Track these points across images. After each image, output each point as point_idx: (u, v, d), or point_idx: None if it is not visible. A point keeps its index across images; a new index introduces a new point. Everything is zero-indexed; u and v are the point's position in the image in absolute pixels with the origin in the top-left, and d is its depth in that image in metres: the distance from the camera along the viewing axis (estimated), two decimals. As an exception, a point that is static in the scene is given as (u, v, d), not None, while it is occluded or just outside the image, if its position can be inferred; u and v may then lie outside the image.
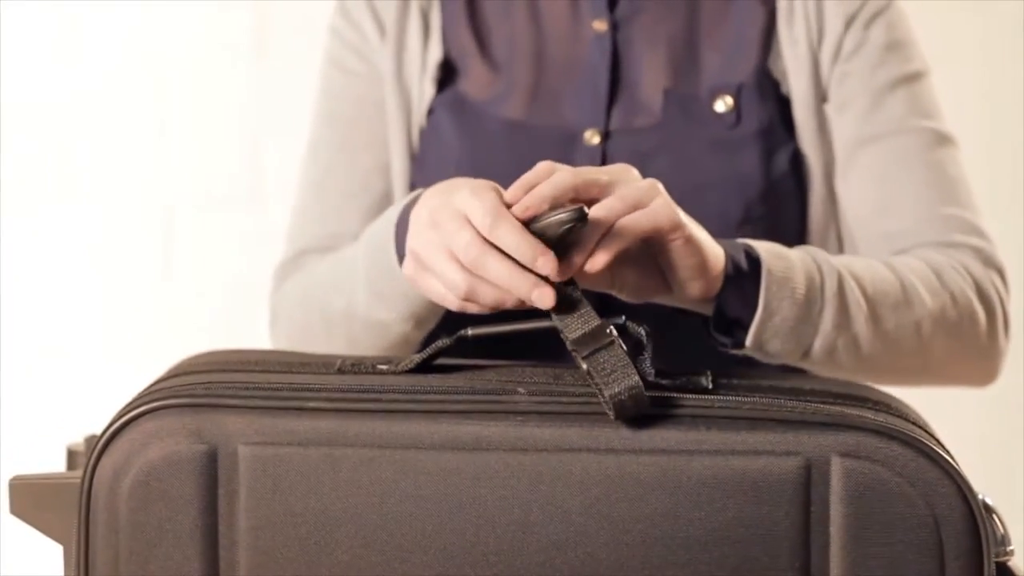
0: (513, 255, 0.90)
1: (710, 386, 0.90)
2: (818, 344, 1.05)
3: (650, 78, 1.23)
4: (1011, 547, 0.88)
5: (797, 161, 1.22)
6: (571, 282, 0.91)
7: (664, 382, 0.90)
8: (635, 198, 0.93)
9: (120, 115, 1.98)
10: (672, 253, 0.96)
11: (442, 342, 0.93)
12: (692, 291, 0.98)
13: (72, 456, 0.97)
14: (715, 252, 0.99)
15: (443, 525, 0.86)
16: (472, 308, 0.94)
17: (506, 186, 0.95)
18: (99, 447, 0.88)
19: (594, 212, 0.91)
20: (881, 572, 0.85)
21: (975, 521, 0.86)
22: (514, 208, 0.91)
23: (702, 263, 0.97)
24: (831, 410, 0.87)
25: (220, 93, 1.99)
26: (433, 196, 0.97)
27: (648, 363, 0.90)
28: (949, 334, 1.13)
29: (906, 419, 0.89)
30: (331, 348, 1.17)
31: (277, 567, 0.87)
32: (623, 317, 0.91)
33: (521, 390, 0.89)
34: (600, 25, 1.25)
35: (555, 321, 0.90)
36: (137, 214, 1.99)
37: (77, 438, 0.98)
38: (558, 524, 0.86)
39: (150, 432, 0.88)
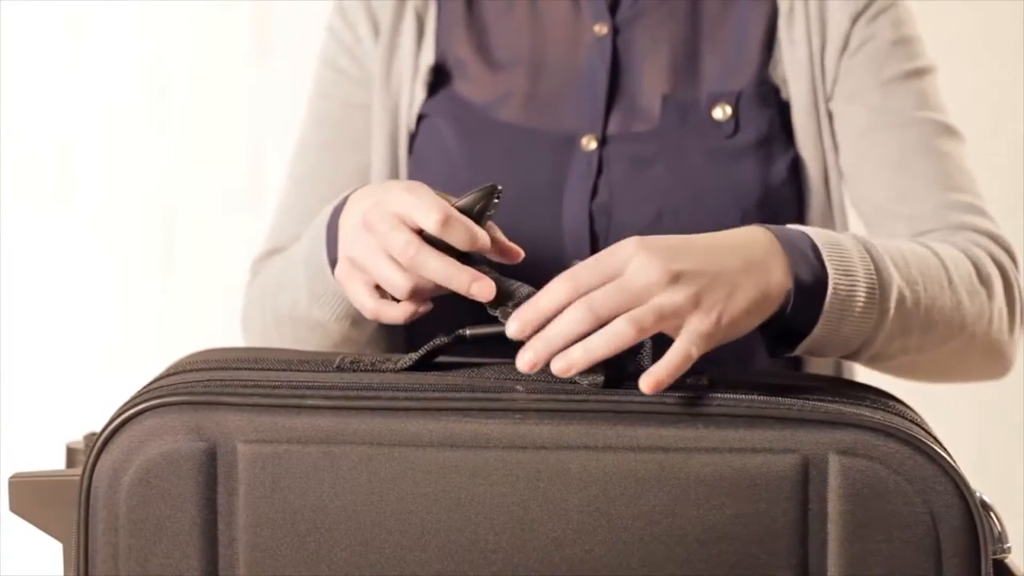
0: (441, 279, 0.93)
1: (708, 384, 0.90)
2: (864, 351, 1.03)
3: (649, 83, 1.23)
4: (1008, 544, 0.88)
5: (796, 167, 1.22)
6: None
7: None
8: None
9: (121, 116, 1.99)
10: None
11: (440, 340, 0.94)
12: (750, 327, 0.95)
13: (72, 454, 0.97)
14: (774, 292, 0.95)
15: (441, 522, 0.86)
16: (387, 320, 0.97)
17: (506, 187, 0.96)
18: (98, 445, 0.88)
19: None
20: (879, 569, 0.85)
21: (972, 519, 0.86)
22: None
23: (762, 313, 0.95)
24: (829, 408, 0.87)
25: (221, 94, 1.99)
26: (363, 198, 0.99)
27: (647, 360, 0.90)
28: (982, 333, 1.11)
29: (904, 417, 0.89)
30: (283, 346, 1.18)
31: (276, 564, 0.87)
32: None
33: (519, 388, 0.89)
34: (601, 29, 1.25)
35: (495, 313, 0.92)
36: (138, 214, 1.99)
37: (77, 436, 0.98)
38: (556, 521, 0.86)
39: (149, 430, 0.88)
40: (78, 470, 0.90)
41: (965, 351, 1.11)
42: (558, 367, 0.88)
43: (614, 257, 0.90)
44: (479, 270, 0.94)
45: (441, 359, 0.95)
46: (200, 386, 0.89)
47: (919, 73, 1.23)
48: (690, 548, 0.86)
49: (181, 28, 1.98)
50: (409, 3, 1.28)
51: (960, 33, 1.96)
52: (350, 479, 0.87)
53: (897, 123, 1.21)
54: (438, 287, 0.96)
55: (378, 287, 0.99)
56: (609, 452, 0.86)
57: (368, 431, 0.87)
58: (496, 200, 0.96)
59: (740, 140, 1.20)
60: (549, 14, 1.26)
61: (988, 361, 1.15)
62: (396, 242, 0.94)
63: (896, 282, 1.02)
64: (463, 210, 0.95)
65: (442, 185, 1.04)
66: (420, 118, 1.26)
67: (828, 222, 1.23)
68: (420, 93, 1.26)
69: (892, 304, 1.01)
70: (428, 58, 1.26)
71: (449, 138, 1.23)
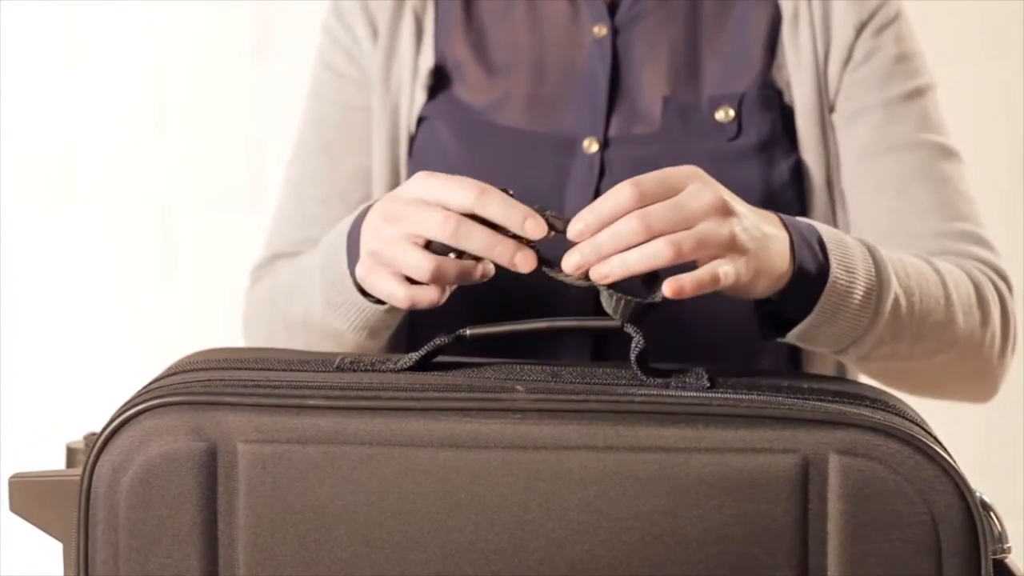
0: (501, 222, 0.93)
1: (708, 384, 0.90)
2: (853, 349, 1.05)
3: (650, 85, 1.22)
4: (1008, 544, 0.88)
5: (798, 171, 1.22)
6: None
7: (662, 380, 0.90)
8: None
9: (121, 116, 1.99)
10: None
11: (440, 340, 0.93)
12: (754, 293, 0.98)
13: (72, 454, 0.97)
14: (784, 269, 0.98)
15: (441, 523, 0.86)
16: (423, 302, 0.97)
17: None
18: (98, 445, 0.88)
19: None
20: (879, 569, 0.85)
21: (972, 519, 0.86)
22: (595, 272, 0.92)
23: (770, 282, 0.97)
24: (829, 408, 0.87)
25: (220, 93, 1.99)
26: (382, 203, 0.99)
27: (646, 363, 0.90)
28: (972, 355, 1.14)
29: (904, 417, 0.89)
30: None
31: (276, 564, 0.87)
32: (620, 320, 0.91)
33: (520, 388, 0.89)
34: (600, 30, 1.24)
35: (552, 273, 0.94)
36: (137, 214, 1.99)
37: (77, 436, 0.98)
38: (556, 522, 0.86)
39: (149, 430, 0.88)
40: (78, 470, 0.90)
41: (954, 368, 1.14)
42: (596, 273, 0.91)
43: (676, 176, 0.94)
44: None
45: (441, 359, 0.95)
46: (200, 386, 0.89)
47: (920, 92, 1.23)
48: (690, 548, 0.86)
49: (181, 28, 1.98)
50: (407, 4, 1.27)
51: (960, 33, 1.96)
52: (350, 479, 0.87)
53: (898, 146, 1.21)
54: (459, 274, 0.95)
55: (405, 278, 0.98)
56: (609, 452, 0.86)
57: (368, 431, 0.87)
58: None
59: (742, 143, 1.20)
60: (547, 16, 1.26)
61: (975, 382, 1.18)
62: (432, 220, 0.94)
63: (894, 288, 1.04)
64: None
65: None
66: (420, 120, 1.25)
67: (829, 224, 1.22)
68: (420, 95, 1.25)
69: (887, 308, 1.03)
70: (427, 60, 1.25)
71: (449, 141, 1.23)
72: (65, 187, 1.98)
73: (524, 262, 0.93)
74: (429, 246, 0.95)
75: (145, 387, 0.92)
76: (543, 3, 1.26)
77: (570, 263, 0.92)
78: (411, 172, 1.24)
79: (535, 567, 0.86)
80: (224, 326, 1.94)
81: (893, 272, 1.05)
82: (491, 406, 0.88)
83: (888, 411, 0.89)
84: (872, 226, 1.20)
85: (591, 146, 1.21)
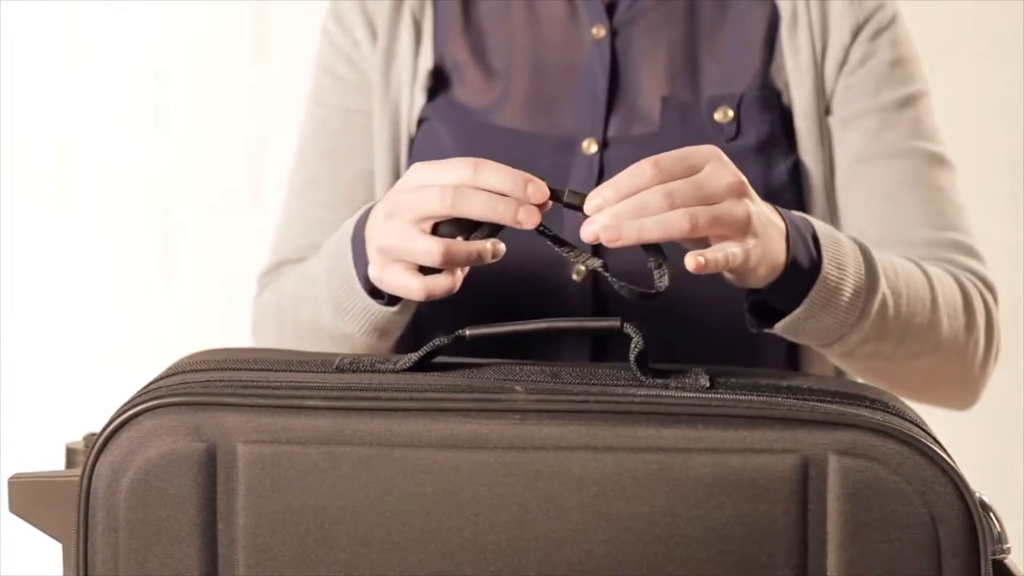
0: (501, 189, 0.92)
1: (707, 384, 0.90)
2: (838, 345, 1.06)
3: (649, 85, 1.22)
4: (1008, 544, 0.88)
5: (797, 172, 1.22)
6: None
7: (661, 381, 0.90)
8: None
9: (121, 116, 1.99)
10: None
11: (439, 340, 0.93)
12: (753, 280, 0.99)
13: (71, 454, 0.97)
14: (781, 252, 0.99)
15: (441, 523, 0.86)
16: (439, 290, 0.96)
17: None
18: (98, 445, 0.88)
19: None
20: (878, 570, 0.85)
21: (972, 519, 0.86)
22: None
23: (769, 270, 0.98)
24: (828, 408, 0.87)
25: (221, 93, 1.99)
26: (382, 202, 0.98)
27: (645, 364, 0.90)
28: (955, 360, 1.15)
29: (903, 417, 0.89)
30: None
31: (276, 565, 0.87)
32: (619, 319, 0.91)
33: (519, 388, 0.89)
34: (599, 31, 1.24)
35: (559, 249, 0.94)
36: (137, 214, 1.99)
37: (77, 436, 0.98)
38: (556, 522, 0.86)
39: (149, 430, 0.88)
40: (78, 470, 0.90)
41: (935, 372, 1.15)
42: (607, 236, 0.91)
43: (696, 155, 0.94)
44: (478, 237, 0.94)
45: (441, 359, 0.95)
46: (200, 387, 0.89)
47: (915, 99, 1.23)
48: (689, 548, 0.86)
49: (181, 28, 1.98)
50: (405, 5, 1.27)
51: (960, 33, 1.96)
52: (350, 479, 0.87)
53: (890, 153, 1.21)
54: (469, 255, 0.95)
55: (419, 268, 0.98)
56: (609, 452, 0.86)
57: (368, 432, 0.87)
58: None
59: (741, 143, 1.20)
60: (546, 16, 1.26)
61: (955, 388, 1.19)
62: (429, 196, 0.93)
63: (882, 288, 1.06)
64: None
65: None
66: (420, 122, 1.25)
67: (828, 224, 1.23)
68: (420, 97, 1.25)
69: (875, 307, 1.05)
70: (427, 62, 1.25)
71: (448, 142, 1.22)
72: (65, 187, 1.98)
73: (528, 218, 0.92)
74: (436, 232, 0.95)
75: (145, 387, 0.92)
76: (541, 4, 1.26)
77: (588, 232, 0.91)
78: None
79: (535, 567, 0.86)
80: (224, 326, 1.94)
81: (883, 272, 1.06)
82: (491, 407, 0.88)
83: (888, 412, 0.89)
84: (863, 232, 1.21)
85: (590, 147, 1.21)
